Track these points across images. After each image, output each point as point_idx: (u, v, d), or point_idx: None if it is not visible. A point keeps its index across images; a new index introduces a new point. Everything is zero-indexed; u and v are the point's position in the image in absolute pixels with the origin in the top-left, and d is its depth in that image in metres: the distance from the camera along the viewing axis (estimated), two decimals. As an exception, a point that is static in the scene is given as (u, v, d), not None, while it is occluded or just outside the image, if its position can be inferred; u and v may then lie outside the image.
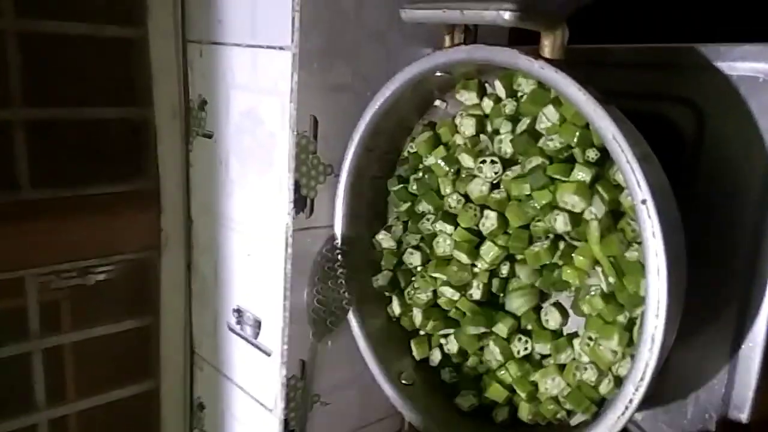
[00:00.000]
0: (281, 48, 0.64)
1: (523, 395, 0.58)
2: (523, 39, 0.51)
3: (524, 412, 0.58)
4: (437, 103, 0.66)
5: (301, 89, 0.64)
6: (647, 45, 0.57)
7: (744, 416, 0.52)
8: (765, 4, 0.64)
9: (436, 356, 0.66)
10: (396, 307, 0.67)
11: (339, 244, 0.63)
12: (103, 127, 0.78)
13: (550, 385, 0.56)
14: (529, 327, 0.59)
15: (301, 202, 0.67)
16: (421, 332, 0.67)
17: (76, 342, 0.80)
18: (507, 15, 0.45)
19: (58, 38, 0.72)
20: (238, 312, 0.77)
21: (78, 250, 0.76)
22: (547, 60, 0.48)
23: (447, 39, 0.55)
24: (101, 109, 0.77)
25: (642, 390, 0.45)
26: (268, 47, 0.66)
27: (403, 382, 0.64)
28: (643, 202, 0.43)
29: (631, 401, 0.46)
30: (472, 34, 0.56)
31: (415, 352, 0.67)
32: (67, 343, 0.80)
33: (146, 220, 0.80)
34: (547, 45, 0.48)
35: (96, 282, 0.79)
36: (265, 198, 0.70)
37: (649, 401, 0.56)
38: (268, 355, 0.72)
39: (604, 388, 0.54)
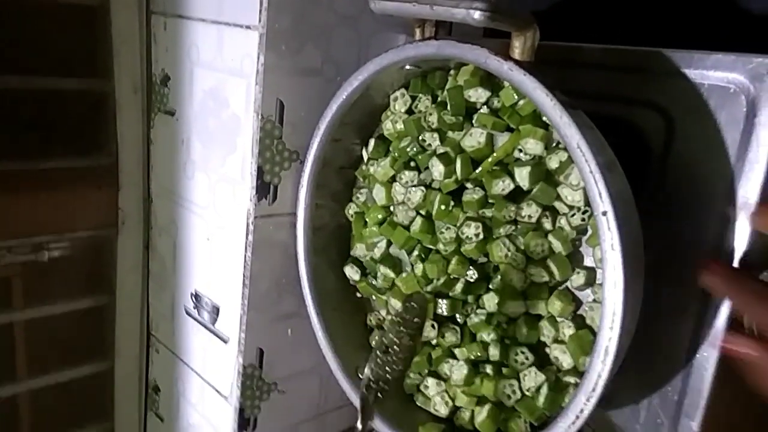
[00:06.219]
0: (248, 27, 0.61)
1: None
2: (498, 32, 0.49)
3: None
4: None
5: (267, 71, 0.61)
6: (619, 47, 0.55)
7: (695, 424, 0.52)
8: (738, 15, 0.64)
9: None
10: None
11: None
12: (60, 99, 0.74)
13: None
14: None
15: (264, 189, 0.65)
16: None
17: (28, 320, 0.77)
18: (477, 14, 0.43)
19: (11, 2, 0.68)
20: (196, 297, 0.75)
21: (31, 225, 0.73)
22: (516, 62, 0.46)
23: (417, 32, 0.53)
24: (58, 80, 0.73)
25: (593, 401, 0.45)
26: (235, 25, 0.63)
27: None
28: (604, 213, 0.43)
29: (582, 411, 0.46)
30: (446, 27, 0.54)
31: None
32: (18, 321, 0.77)
33: (103, 198, 0.77)
34: (518, 46, 0.46)
35: (49, 259, 0.77)
36: (226, 182, 0.68)
37: (602, 403, 0.57)
38: (225, 342, 0.71)
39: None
